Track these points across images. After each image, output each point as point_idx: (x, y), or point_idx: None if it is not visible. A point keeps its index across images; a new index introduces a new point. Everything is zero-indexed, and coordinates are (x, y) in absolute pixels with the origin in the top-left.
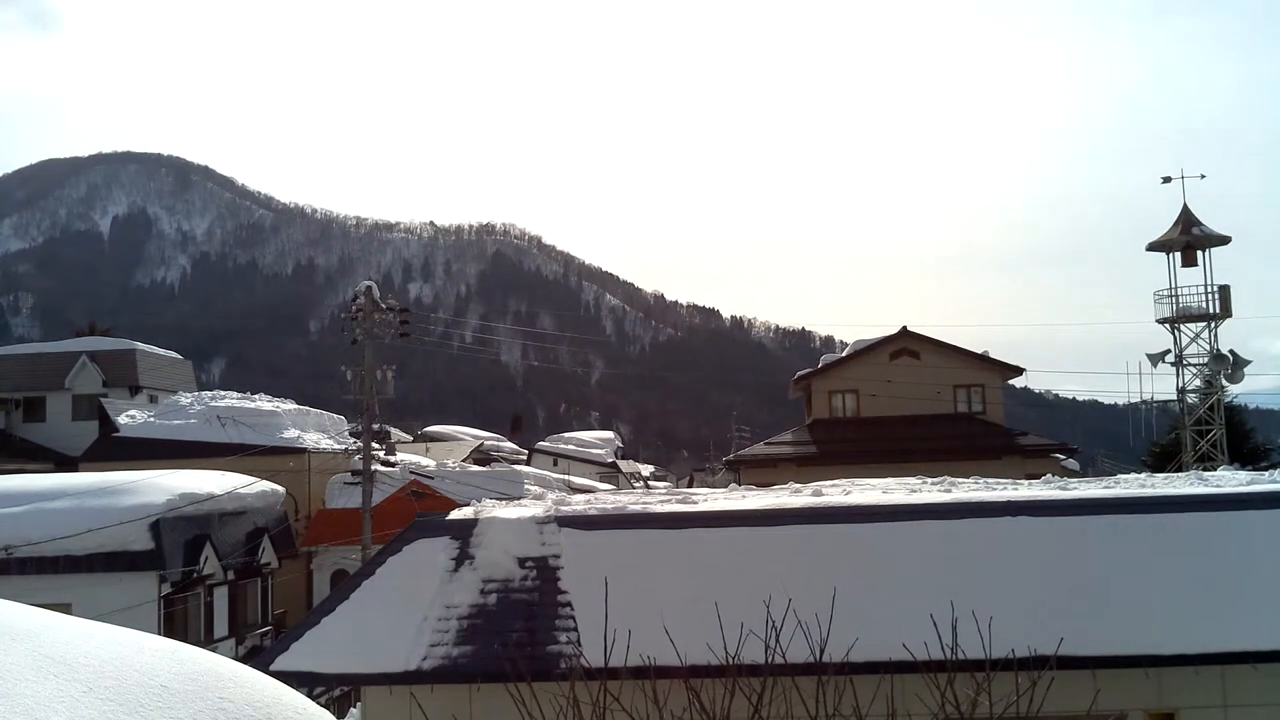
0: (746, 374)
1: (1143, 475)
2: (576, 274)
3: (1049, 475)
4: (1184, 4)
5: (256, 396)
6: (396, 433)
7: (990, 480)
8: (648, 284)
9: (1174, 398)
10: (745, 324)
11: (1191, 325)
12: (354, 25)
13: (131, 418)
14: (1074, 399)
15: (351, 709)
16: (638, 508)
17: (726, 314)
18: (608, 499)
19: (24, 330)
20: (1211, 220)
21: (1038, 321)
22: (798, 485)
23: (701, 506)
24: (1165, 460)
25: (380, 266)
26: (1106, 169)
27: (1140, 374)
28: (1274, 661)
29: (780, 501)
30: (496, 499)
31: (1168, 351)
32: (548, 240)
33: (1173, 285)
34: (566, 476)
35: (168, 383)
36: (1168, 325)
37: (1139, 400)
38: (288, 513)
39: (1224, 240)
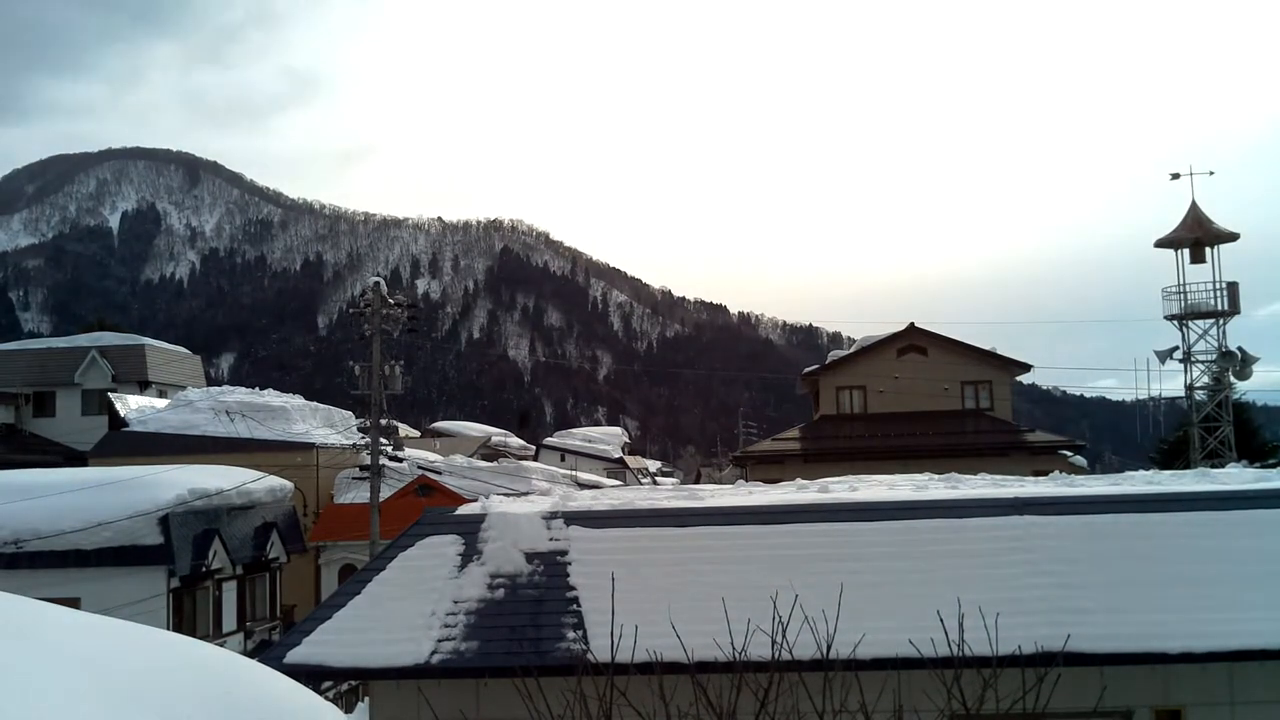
0: (754, 370)
1: (1150, 472)
2: (584, 270)
3: (1056, 472)
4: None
5: (265, 392)
6: (404, 428)
7: (997, 477)
8: (655, 280)
9: (1182, 394)
10: (752, 320)
11: (1200, 322)
12: (362, 21)
13: (140, 413)
14: (1082, 395)
15: (359, 703)
16: (645, 503)
17: (734, 310)
18: (615, 495)
19: (34, 325)
20: (1220, 217)
21: (1046, 318)
22: (804, 481)
23: (708, 502)
24: (1173, 457)
25: (388, 262)
26: (1113, 164)
27: (1148, 371)
28: None
29: (787, 498)
30: (504, 494)
31: (1176, 348)
32: (555, 236)
33: (1181, 282)
34: (574, 472)
35: (177, 378)
36: (1176, 322)
37: (1147, 397)
38: (296, 507)
39: (1233, 237)
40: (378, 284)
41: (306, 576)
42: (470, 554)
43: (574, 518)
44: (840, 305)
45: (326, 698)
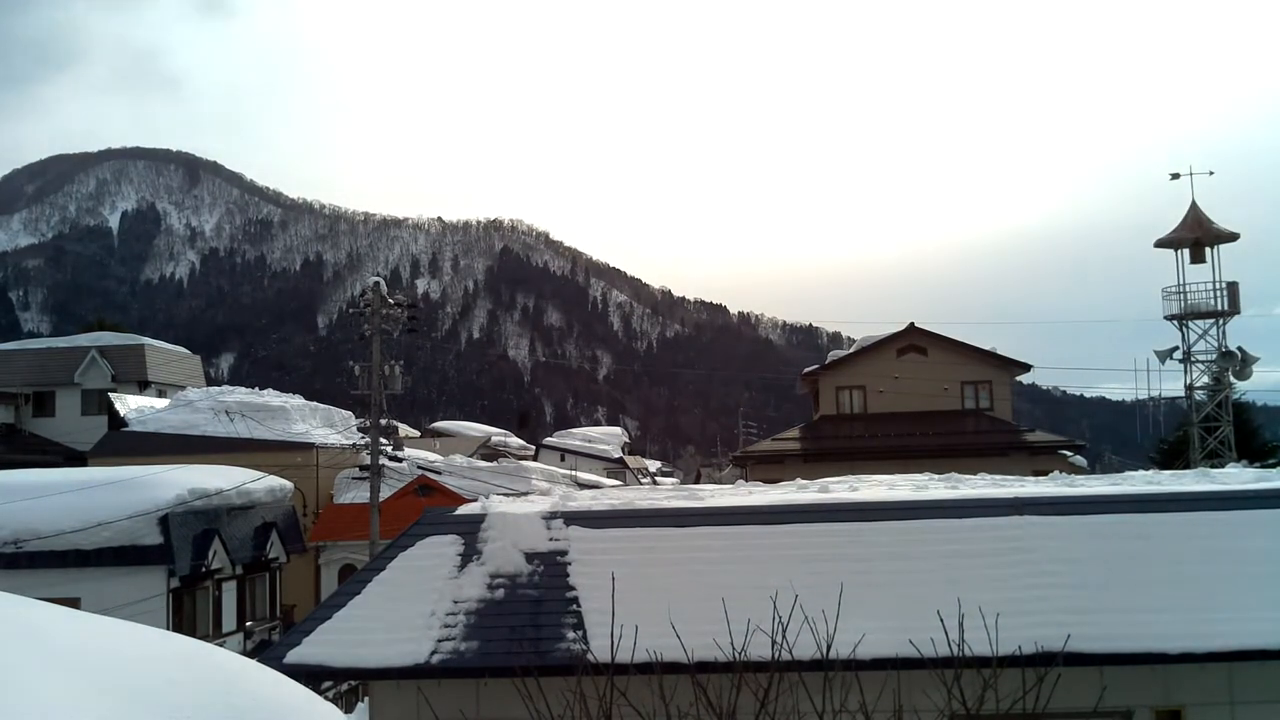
0: (753, 370)
1: (1150, 472)
2: (584, 270)
3: (1056, 472)
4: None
5: (265, 392)
6: (404, 428)
7: (997, 477)
8: (655, 280)
9: (1182, 394)
10: (752, 320)
11: (1200, 322)
12: (362, 20)
13: (140, 413)
14: (1081, 395)
15: (359, 703)
16: (645, 503)
17: (734, 310)
18: (615, 495)
19: (34, 325)
20: (1220, 216)
21: (1046, 317)
22: (804, 481)
23: (708, 502)
24: (1173, 457)
25: (388, 262)
26: (1113, 163)
27: (1148, 371)
28: None
29: (787, 498)
30: (504, 494)
31: (1176, 348)
32: (555, 236)
33: (1181, 282)
34: (573, 472)
35: (176, 378)
36: (1176, 322)
37: (1147, 397)
38: (296, 507)
39: (1233, 237)
40: (377, 284)
41: (306, 576)
42: (470, 554)
43: (574, 518)
44: (840, 305)
45: (326, 698)
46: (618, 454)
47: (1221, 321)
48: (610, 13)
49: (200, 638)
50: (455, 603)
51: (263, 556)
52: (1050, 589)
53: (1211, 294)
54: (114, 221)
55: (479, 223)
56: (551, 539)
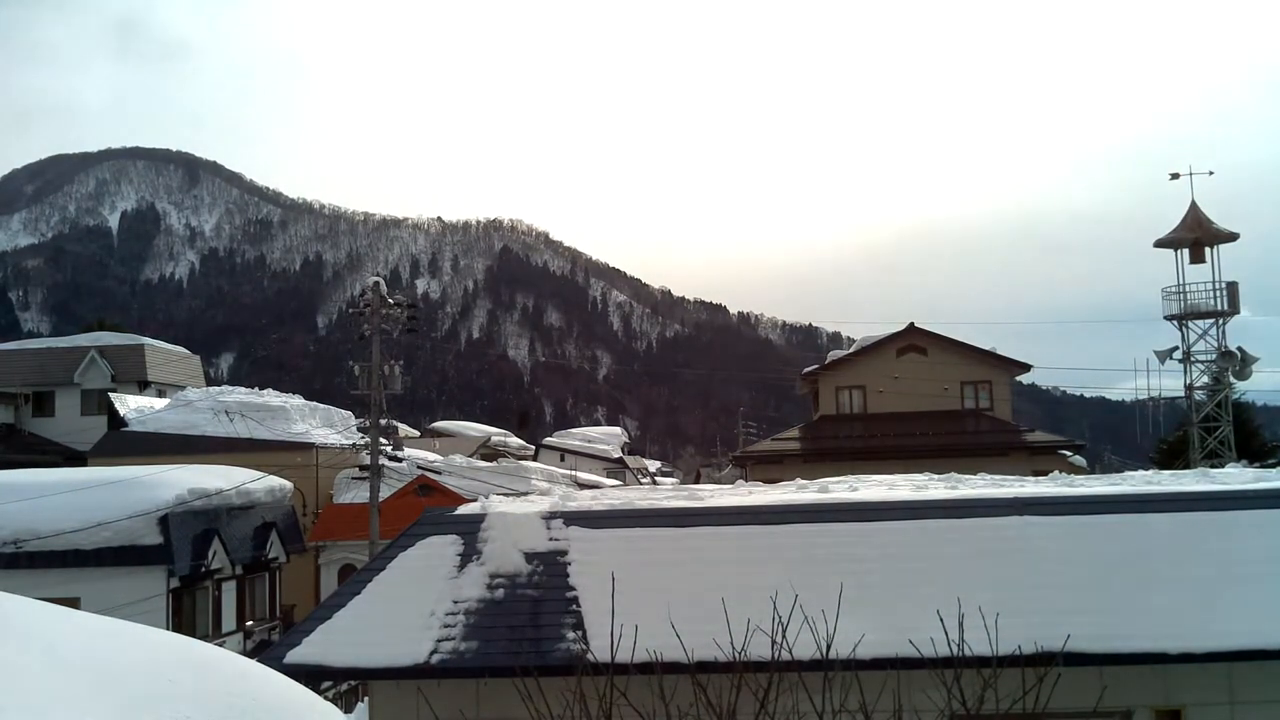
0: (754, 370)
1: (1149, 472)
2: (584, 270)
3: (1056, 472)
4: None
5: (264, 392)
6: (404, 428)
7: (997, 477)
8: (654, 280)
9: (1181, 394)
10: (752, 320)
11: (1199, 322)
12: (362, 20)
13: (140, 412)
14: (1081, 395)
15: (359, 703)
16: (644, 503)
17: (733, 310)
18: (614, 495)
19: (33, 325)
20: (1220, 216)
21: (1045, 318)
22: (804, 481)
23: (708, 502)
24: (1172, 457)
25: (388, 262)
26: (1114, 164)
27: (1148, 371)
28: None
29: (787, 498)
30: (504, 494)
31: (1175, 348)
32: (555, 236)
33: (1181, 282)
34: (573, 472)
35: (176, 378)
36: (1176, 322)
37: (1146, 397)
38: (295, 507)
39: (1232, 237)
40: (377, 284)
41: (306, 576)
42: (470, 554)
43: (574, 518)
44: (840, 305)
45: (326, 698)
46: (617, 454)
47: (1221, 321)
48: (608, 12)
49: (200, 638)
50: (455, 603)
51: (262, 556)
52: (1050, 589)
53: (1211, 294)
54: (114, 221)
55: (479, 223)
56: (551, 539)
